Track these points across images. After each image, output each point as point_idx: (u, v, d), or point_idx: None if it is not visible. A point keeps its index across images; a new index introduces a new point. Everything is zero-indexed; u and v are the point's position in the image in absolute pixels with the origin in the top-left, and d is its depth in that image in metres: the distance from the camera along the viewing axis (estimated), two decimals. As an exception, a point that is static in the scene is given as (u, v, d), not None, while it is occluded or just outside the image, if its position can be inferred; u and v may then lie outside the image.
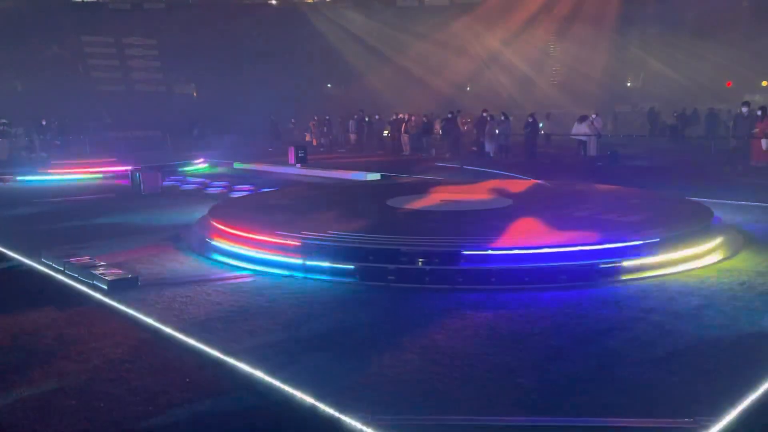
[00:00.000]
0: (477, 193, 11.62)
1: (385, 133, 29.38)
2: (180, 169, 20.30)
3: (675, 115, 28.71)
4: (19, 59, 35.36)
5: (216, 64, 38.55)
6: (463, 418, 4.09)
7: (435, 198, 11.26)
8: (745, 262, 7.86)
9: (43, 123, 26.84)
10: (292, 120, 31.64)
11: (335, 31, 41.74)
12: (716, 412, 3.97)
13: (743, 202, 12.19)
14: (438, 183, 14.39)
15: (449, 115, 25.80)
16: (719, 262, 7.88)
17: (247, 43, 39.47)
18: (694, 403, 4.19)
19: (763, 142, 17.19)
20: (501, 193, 11.51)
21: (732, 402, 4.10)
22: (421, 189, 12.70)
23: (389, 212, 10.09)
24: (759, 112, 17.63)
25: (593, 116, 22.48)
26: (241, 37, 39.22)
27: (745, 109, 18.37)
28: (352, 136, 30.32)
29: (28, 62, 36.02)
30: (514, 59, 41.62)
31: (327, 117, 31.67)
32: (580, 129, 22.42)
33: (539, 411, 4.18)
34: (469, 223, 9.06)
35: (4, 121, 24.98)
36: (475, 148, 24.62)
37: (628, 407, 4.18)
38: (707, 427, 3.78)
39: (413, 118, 27.02)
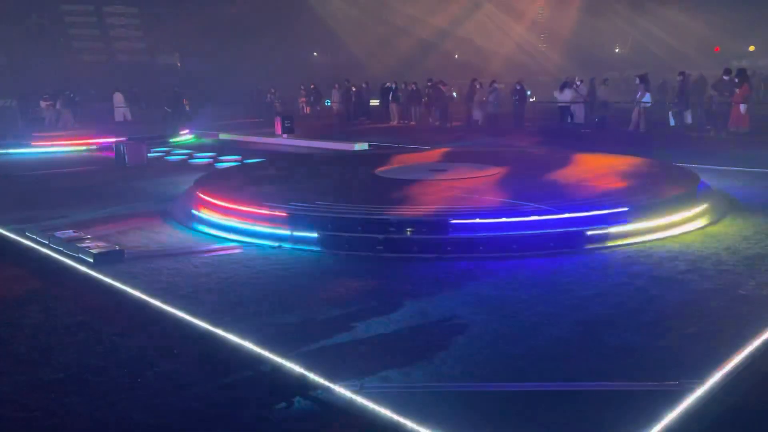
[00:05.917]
0: (467, 161, 11.58)
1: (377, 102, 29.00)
2: (166, 141, 20.05)
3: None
4: None
5: (200, 33, 37.83)
6: (452, 385, 4.12)
7: (424, 167, 11.21)
8: (730, 227, 7.92)
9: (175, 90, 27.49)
10: (272, 89, 31.01)
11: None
12: (701, 375, 4.02)
13: (727, 167, 12.25)
14: (424, 151, 14.30)
15: (428, 83, 25.36)
16: (705, 227, 7.94)
17: (232, 11, 38.74)
18: (679, 366, 4.24)
19: (742, 107, 17.27)
20: (490, 162, 11.48)
21: (717, 365, 4.15)
22: (411, 158, 12.63)
23: (377, 182, 10.04)
24: (737, 79, 17.63)
25: (578, 82, 22.34)
26: (224, 5, 38.48)
27: (726, 77, 18.37)
28: (335, 106, 29.98)
29: (7, 33, 35.15)
30: (504, 26, 41.26)
31: (312, 86, 31.25)
32: (562, 96, 22.20)
33: (527, 377, 4.21)
34: (458, 191, 9.03)
35: (69, 93, 25.46)
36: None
37: (615, 372, 4.23)
38: (692, 389, 3.83)
39: (402, 86, 26.74)
